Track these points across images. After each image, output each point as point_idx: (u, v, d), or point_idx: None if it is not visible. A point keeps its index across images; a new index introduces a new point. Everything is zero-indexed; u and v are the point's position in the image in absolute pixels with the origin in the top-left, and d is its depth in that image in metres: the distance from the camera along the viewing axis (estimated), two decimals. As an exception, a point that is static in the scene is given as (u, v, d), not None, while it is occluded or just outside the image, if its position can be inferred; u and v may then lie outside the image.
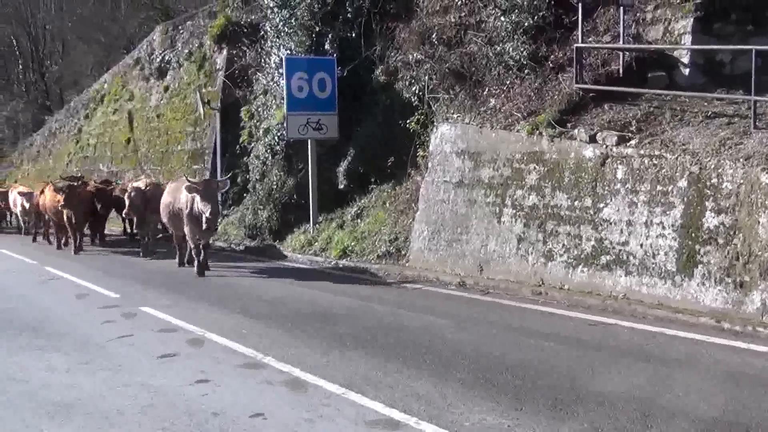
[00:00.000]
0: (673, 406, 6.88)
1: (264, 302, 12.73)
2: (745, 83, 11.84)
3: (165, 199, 17.37)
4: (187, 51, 27.89)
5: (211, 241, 17.25)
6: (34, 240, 26.13)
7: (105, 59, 46.05)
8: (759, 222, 9.80)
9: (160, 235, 20.84)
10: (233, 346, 9.66)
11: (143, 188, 19.21)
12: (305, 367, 8.55)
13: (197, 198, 15.30)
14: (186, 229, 16.17)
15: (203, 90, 25.06)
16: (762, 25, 13.32)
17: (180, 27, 29.42)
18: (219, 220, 17.94)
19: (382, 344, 9.57)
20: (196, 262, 16.36)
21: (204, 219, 15.06)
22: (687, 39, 13.24)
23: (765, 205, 9.77)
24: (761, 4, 13.34)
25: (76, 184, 21.55)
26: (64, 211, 20.59)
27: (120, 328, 11.12)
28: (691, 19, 13.21)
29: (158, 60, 29.85)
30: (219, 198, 16.65)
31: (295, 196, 19.95)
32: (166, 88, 29.22)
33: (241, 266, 17.28)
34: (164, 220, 17.74)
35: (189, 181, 16.01)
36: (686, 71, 13.31)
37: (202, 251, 16.19)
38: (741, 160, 10.27)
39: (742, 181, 10.12)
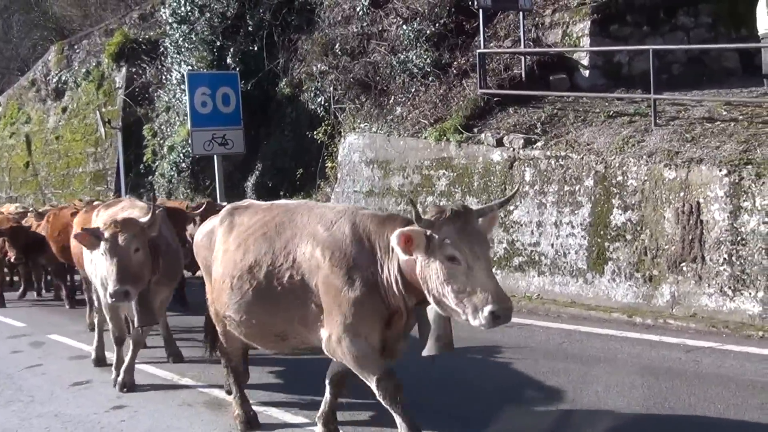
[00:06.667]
0: (594, 403, 6.97)
1: (179, 325, 12.44)
2: (643, 82, 12.18)
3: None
4: (84, 70, 27.26)
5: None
6: None
7: (-2, 82, 44.69)
8: (664, 217, 10.06)
9: None
10: (150, 370, 9.39)
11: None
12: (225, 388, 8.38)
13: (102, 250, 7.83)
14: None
15: (103, 109, 24.52)
16: (657, 26, 13.74)
17: (76, 46, 28.78)
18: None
19: (301, 361, 9.45)
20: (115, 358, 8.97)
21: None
22: (585, 41, 13.56)
23: (669, 200, 10.03)
24: (656, 5, 13.76)
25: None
26: None
27: (29, 357, 10.73)
28: (589, 22, 13.52)
29: (55, 81, 29.11)
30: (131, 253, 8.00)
31: (203, 214, 19.71)
32: (64, 109, 28.49)
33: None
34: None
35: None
36: (586, 73, 13.61)
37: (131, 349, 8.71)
38: (644, 157, 10.52)
39: (646, 177, 10.37)
